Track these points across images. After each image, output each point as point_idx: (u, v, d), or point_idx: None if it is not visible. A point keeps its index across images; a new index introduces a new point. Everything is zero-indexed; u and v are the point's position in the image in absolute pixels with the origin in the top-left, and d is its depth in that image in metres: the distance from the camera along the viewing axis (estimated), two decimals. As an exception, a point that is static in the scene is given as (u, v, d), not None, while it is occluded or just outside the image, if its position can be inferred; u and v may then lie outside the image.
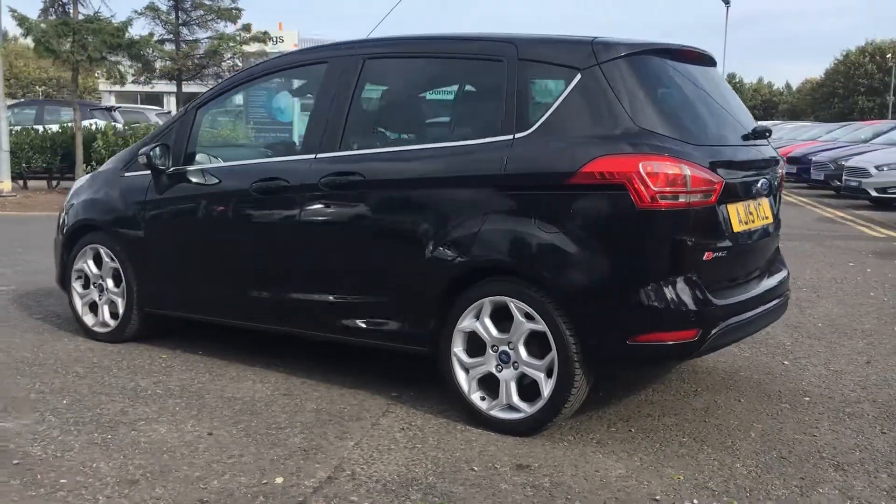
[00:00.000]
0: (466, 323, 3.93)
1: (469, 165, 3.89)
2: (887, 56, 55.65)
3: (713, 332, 3.68)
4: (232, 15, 15.08)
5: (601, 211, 3.62)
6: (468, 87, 4.25)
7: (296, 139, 5.33)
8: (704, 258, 3.71)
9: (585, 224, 3.64)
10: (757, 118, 5.42)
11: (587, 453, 3.68)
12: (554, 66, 3.88)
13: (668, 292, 3.59)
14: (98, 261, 5.32)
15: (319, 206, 4.30)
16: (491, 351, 3.87)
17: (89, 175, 5.68)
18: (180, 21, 15.10)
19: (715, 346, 3.79)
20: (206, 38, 15.10)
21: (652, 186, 3.50)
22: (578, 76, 3.77)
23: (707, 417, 4.15)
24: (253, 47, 15.40)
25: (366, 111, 4.51)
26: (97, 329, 5.36)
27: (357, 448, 3.69)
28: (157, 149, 4.81)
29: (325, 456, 3.60)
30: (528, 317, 3.76)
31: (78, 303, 5.44)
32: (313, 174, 4.31)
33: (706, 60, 4.34)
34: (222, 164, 4.86)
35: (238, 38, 14.97)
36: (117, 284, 5.24)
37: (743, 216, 3.94)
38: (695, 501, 3.24)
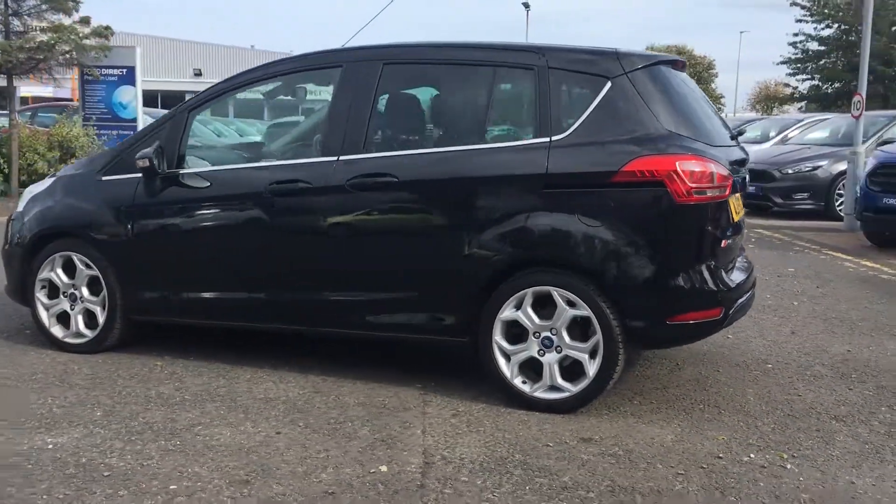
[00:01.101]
0: (507, 313, 4.22)
1: (511, 166, 4.18)
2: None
3: (731, 310, 4.21)
4: (66, 6, 14.19)
5: (641, 205, 4.04)
6: (498, 93, 4.51)
7: (293, 141, 5.31)
8: (721, 246, 4.22)
9: (627, 217, 4.04)
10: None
11: (632, 424, 4.08)
12: (584, 74, 4.24)
13: (699, 276, 4.08)
14: (69, 269, 5.11)
15: (347, 206, 4.43)
16: (533, 337, 4.19)
17: (48, 181, 5.41)
18: (10, 10, 14.03)
19: (729, 323, 4.32)
20: (41, 28, 14.09)
21: (688, 183, 3.96)
22: (609, 84, 4.16)
23: (704, 387, 4.68)
24: (93, 41, 14.57)
25: (389, 115, 4.66)
26: (70, 340, 5.15)
27: (427, 435, 3.89)
28: (154, 152, 4.72)
29: (405, 444, 3.78)
30: (570, 304, 4.11)
31: (44, 314, 5.20)
32: (338, 176, 4.43)
33: (684, 67, 4.86)
34: (230, 166, 4.85)
35: (77, 31, 14.11)
36: (95, 293, 5.06)
37: (736, 208, 4.50)
38: (751, 455, 3.72)
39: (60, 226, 5.13)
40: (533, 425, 4.04)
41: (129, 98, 15.82)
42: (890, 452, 3.79)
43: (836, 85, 36.89)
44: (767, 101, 54.19)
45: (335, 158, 4.48)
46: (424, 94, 4.69)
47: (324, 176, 4.47)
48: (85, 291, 5.09)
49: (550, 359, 4.17)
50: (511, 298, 4.20)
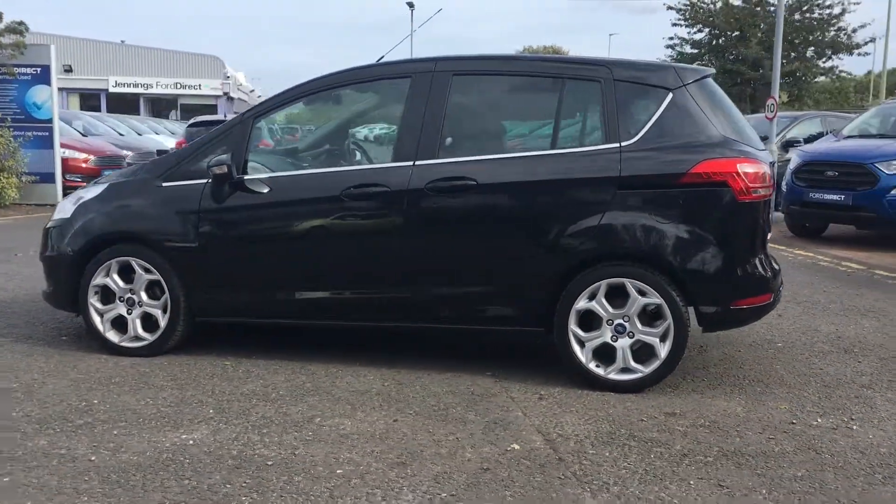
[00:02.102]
0: (582, 303, 4.63)
1: (586, 169, 4.60)
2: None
3: (776, 296, 4.77)
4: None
5: (707, 203, 4.53)
6: (566, 103, 4.88)
7: (345, 147, 5.52)
8: (767, 238, 4.77)
9: (694, 214, 4.52)
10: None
11: (699, 400, 4.57)
12: (646, 86, 4.70)
13: (755, 266, 4.62)
14: (124, 274, 5.19)
15: (427, 208, 4.73)
16: (606, 325, 4.62)
17: (97, 188, 5.42)
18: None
19: (773, 308, 4.86)
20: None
21: (747, 182, 4.48)
22: (671, 95, 4.64)
23: (737, 365, 5.23)
24: (8, 38, 14.04)
25: (461, 123, 4.97)
26: (127, 344, 5.22)
27: (529, 417, 4.26)
28: (231, 160, 4.88)
29: (516, 425, 4.14)
30: (641, 293, 4.56)
31: (97, 319, 5.25)
32: (417, 180, 4.73)
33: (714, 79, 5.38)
34: (302, 171, 5.06)
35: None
36: (154, 297, 5.17)
37: (765, 204, 5.05)
38: (819, 420, 4.28)
39: (118, 231, 5.19)
40: (616, 404, 4.46)
41: (45, 98, 15.30)
42: (924, 412, 4.43)
43: (710, 86, 38.99)
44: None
45: (411, 163, 4.77)
46: (498, 103, 5.03)
47: (401, 180, 4.75)
48: (144, 296, 5.17)
49: (623, 344, 4.61)
50: (586, 290, 4.61)
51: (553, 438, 3.98)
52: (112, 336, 5.25)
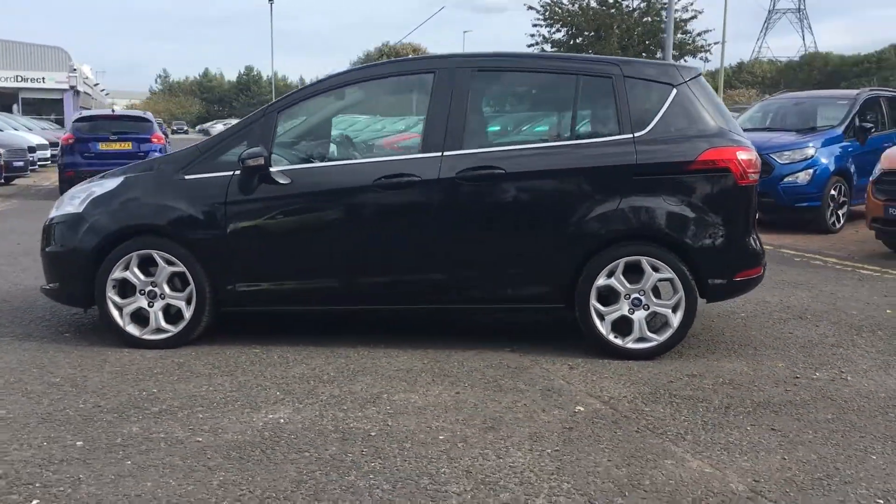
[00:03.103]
0: (602, 280, 5.09)
1: (606, 157, 5.05)
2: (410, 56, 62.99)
3: (764, 269, 5.38)
4: None
5: (712, 187, 5.08)
6: (583, 97, 5.30)
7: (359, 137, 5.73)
8: (757, 217, 5.38)
9: (701, 197, 5.06)
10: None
11: (707, 363, 5.11)
12: (653, 82, 5.20)
13: (752, 242, 5.21)
14: (143, 267, 5.24)
15: (457, 195, 5.06)
16: (624, 299, 5.10)
17: (110, 183, 5.40)
18: None
19: (761, 281, 5.47)
20: None
21: (745, 168, 5.06)
22: (675, 91, 5.16)
23: (720, 332, 5.83)
24: None
25: (485, 115, 5.31)
26: (149, 337, 5.27)
27: (573, 384, 4.67)
28: (263, 151, 5.03)
29: (567, 391, 4.53)
30: (655, 269, 5.06)
31: (116, 314, 5.27)
32: (446, 169, 5.05)
33: None
34: (334, 163, 5.27)
35: None
36: (176, 288, 5.24)
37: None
38: (817, 374, 4.90)
39: (139, 225, 5.22)
40: (639, 370, 4.94)
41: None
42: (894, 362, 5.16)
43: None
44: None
45: (439, 154, 5.08)
46: (518, 97, 5.40)
47: (431, 169, 5.05)
48: (166, 288, 5.23)
49: (639, 315, 5.10)
50: (605, 268, 5.07)
51: (607, 400, 4.40)
52: (133, 329, 5.27)
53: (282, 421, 4.03)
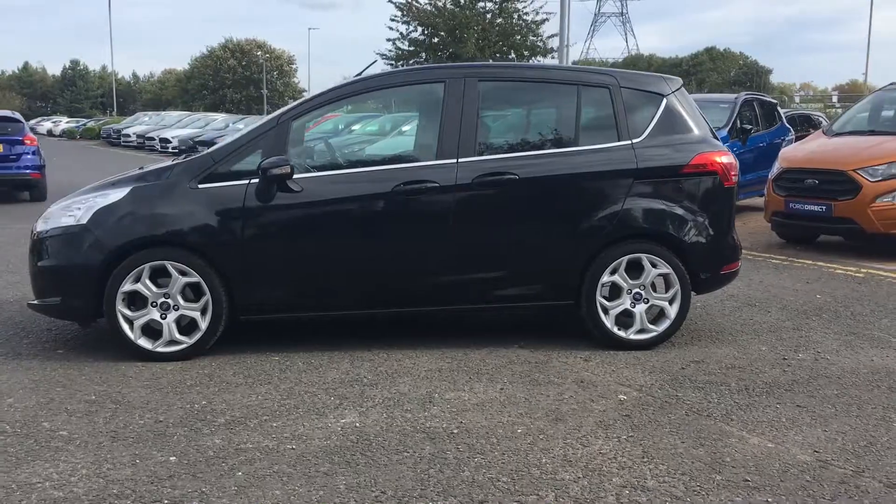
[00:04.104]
0: (606, 277, 5.47)
1: (610, 162, 5.42)
2: (258, 53, 61.79)
3: (740, 262, 5.93)
4: None
5: (702, 189, 5.55)
6: (582, 105, 5.63)
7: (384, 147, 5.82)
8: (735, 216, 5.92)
9: (692, 198, 5.52)
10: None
11: (700, 350, 5.58)
12: (646, 92, 5.61)
13: (733, 238, 5.74)
14: (154, 279, 5.18)
15: (473, 199, 5.30)
16: (626, 294, 5.50)
17: (114, 194, 5.25)
18: None
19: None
20: None
21: (729, 171, 5.58)
22: (665, 101, 5.61)
23: (692, 323, 6.33)
24: None
25: (494, 123, 5.55)
26: (162, 349, 5.20)
27: (598, 375, 5.00)
28: (286, 160, 5.08)
29: (597, 381, 4.86)
30: (653, 265, 5.49)
31: (127, 327, 5.17)
32: (463, 175, 5.28)
33: None
34: (353, 170, 5.37)
35: None
36: (190, 299, 5.21)
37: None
38: (800, 355, 5.46)
39: (151, 236, 5.14)
40: (646, 360, 5.34)
41: None
42: (857, 340, 5.80)
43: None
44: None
45: (454, 161, 5.30)
46: (521, 107, 5.67)
47: (449, 176, 5.26)
48: (180, 299, 5.19)
49: (640, 309, 5.51)
50: (609, 266, 5.45)
51: (640, 388, 4.77)
52: (144, 343, 5.18)
53: (357, 425, 4.14)
